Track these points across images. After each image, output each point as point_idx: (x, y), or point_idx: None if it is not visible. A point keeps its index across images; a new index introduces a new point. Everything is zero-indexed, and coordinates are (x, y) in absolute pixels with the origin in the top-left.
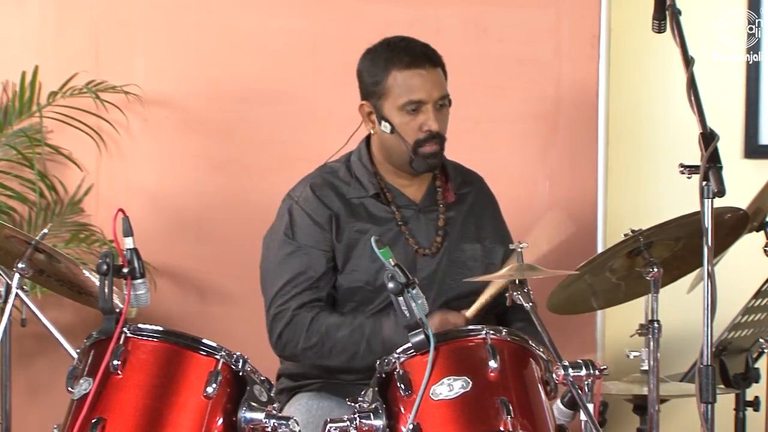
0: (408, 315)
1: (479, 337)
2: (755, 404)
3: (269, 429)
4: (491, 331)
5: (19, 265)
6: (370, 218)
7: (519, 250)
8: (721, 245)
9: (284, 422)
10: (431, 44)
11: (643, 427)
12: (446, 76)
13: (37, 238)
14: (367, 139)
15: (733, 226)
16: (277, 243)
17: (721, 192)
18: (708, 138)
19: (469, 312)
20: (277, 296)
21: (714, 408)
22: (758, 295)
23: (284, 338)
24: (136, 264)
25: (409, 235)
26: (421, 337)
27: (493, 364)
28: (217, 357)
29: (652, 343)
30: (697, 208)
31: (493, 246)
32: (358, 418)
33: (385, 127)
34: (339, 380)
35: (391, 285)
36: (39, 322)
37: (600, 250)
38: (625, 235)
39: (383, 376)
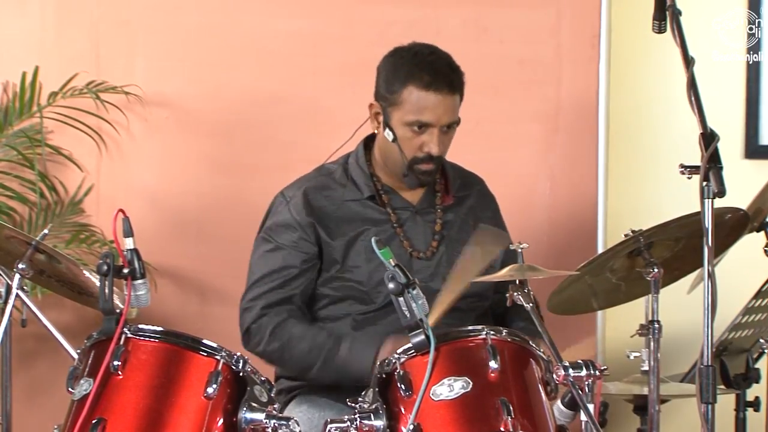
0: (408, 315)
1: (480, 337)
2: (756, 404)
3: (270, 429)
4: (492, 332)
5: (20, 266)
6: (365, 220)
7: (519, 250)
8: (722, 245)
9: (285, 422)
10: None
11: (644, 427)
12: (462, 98)
13: (37, 238)
14: (366, 141)
15: (733, 226)
16: (260, 239)
17: (721, 192)
18: (708, 138)
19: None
20: (250, 290)
21: (714, 408)
22: (758, 295)
23: (250, 333)
24: (136, 264)
25: (404, 237)
26: (422, 337)
27: (493, 364)
28: (218, 357)
29: (652, 344)
30: (698, 209)
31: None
32: (358, 419)
33: (388, 135)
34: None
35: (391, 285)
36: (39, 322)
37: (600, 250)
38: (626, 235)
39: (383, 376)
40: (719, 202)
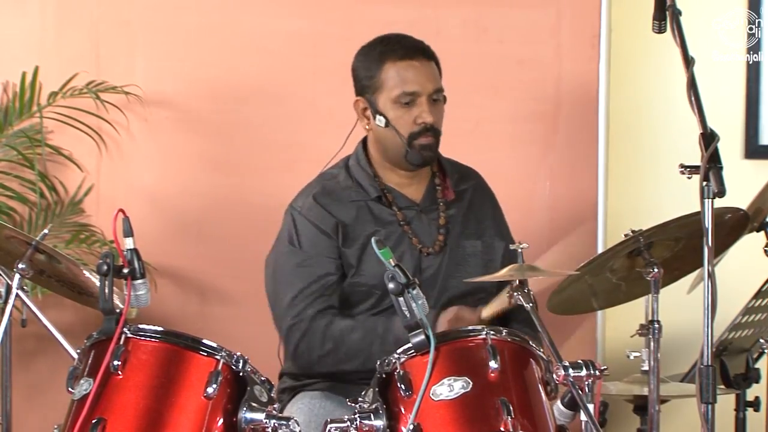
0: (408, 315)
1: (479, 337)
2: (756, 404)
3: (269, 429)
4: (491, 332)
5: (20, 266)
6: (375, 221)
7: (519, 250)
8: (722, 245)
9: (284, 422)
10: (431, 45)
11: (644, 427)
12: (440, 71)
13: (37, 238)
14: (364, 141)
15: (733, 226)
16: (284, 254)
17: (721, 192)
18: (708, 138)
19: (485, 312)
20: (291, 307)
21: (714, 408)
22: (758, 295)
23: (301, 348)
24: (136, 264)
25: (413, 235)
26: (422, 337)
27: (493, 364)
28: (218, 357)
29: (652, 344)
30: (698, 209)
31: (492, 241)
32: (358, 419)
33: (380, 121)
34: (341, 380)
35: (391, 285)
36: (39, 322)
37: (600, 250)
38: (626, 235)
39: (383, 376)
40: (719, 202)
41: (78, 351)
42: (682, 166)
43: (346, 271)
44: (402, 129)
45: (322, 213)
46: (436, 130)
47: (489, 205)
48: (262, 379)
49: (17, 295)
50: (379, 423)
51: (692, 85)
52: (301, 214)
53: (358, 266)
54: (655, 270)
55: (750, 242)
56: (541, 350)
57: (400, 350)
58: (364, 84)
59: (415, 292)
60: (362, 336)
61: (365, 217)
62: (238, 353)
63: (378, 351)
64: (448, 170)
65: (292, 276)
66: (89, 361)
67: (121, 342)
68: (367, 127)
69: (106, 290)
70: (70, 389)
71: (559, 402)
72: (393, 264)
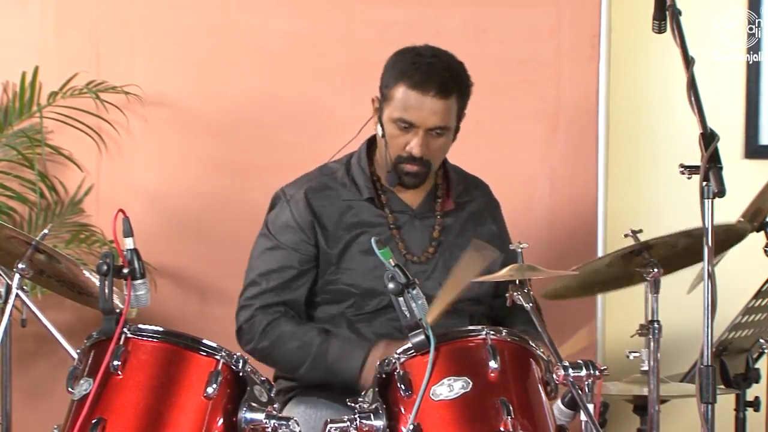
0: (408, 315)
1: (479, 337)
2: (755, 404)
3: (269, 429)
4: (491, 332)
5: (20, 266)
6: (363, 222)
7: (519, 250)
8: (719, 250)
9: (284, 422)
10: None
11: (644, 427)
12: (461, 107)
13: (37, 238)
14: (369, 141)
15: (732, 234)
16: (261, 234)
17: (721, 192)
18: (708, 138)
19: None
20: (247, 289)
21: (714, 408)
22: (758, 295)
23: (243, 331)
24: (136, 264)
25: (400, 240)
26: (422, 337)
27: (493, 364)
28: (218, 357)
29: (652, 344)
30: (698, 209)
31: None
32: (358, 419)
33: (379, 129)
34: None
35: (391, 285)
36: (39, 322)
37: (600, 250)
38: (626, 235)
39: (383, 376)
40: (717, 207)
41: (78, 351)
42: (682, 166)
43: (323, 269)
44: (391, 149)
45: (305, 208)
46: (426, 161)
47: (491, 218)
48: (262, 379)
49: (17, 295)
50: (379, 423)
51: (692, 85)
52: (287, 203)
53: (338, 265)
54: (655, 270)
55: (750, 242)
56: (541, 350)
57: (400, 350)
58: (382, 89)
59: (414, 292)
60: (297, 347)
61: (352, 217)
62: (238, 353)
63: (307, 369)
64: (453, 179)
65: (259, 258)
66: (89, 361)
67: (121, 342)
68: (375, 125)
69: (106, 290)
70: (70, 389)
71: (559, 401)
72: (393, 264)
